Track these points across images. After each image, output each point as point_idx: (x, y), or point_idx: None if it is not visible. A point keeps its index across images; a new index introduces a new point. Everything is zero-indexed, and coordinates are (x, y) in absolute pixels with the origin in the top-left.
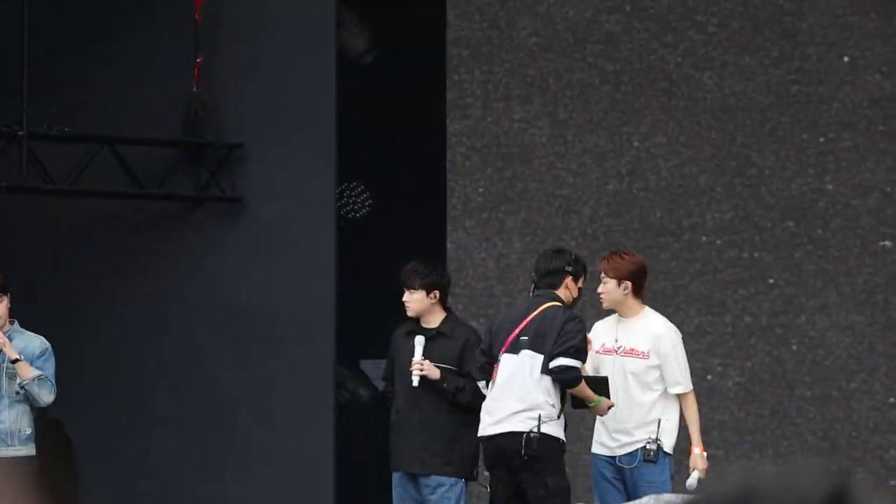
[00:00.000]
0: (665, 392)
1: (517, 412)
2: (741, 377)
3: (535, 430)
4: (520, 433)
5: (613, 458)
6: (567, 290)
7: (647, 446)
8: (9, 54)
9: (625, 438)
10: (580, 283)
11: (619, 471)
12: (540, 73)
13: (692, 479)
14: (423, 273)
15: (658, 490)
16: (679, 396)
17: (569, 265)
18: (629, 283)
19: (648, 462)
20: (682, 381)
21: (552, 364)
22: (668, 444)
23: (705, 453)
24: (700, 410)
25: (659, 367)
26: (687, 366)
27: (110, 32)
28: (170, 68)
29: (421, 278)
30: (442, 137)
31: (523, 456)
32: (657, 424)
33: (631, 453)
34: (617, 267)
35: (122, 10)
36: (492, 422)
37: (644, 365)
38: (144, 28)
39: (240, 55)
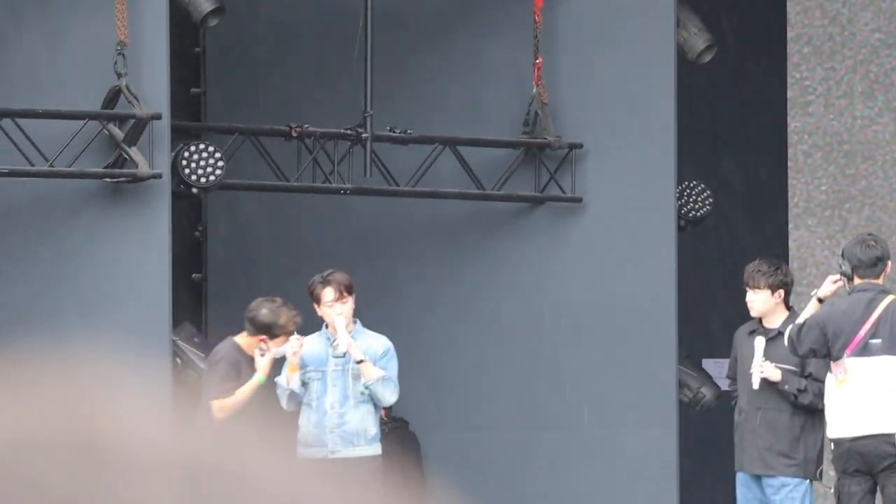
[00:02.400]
0: None
1: (885, 413)
2: None
3: None
4: (889, 434)
5: None
6: (884, 277)
7: None
8: (351, 57)
9: None
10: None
11: None
12: (883, 69)
13: None
14: (768, 272)
15: None
16: None
17: (886, 251)
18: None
19: None
20: None
21: None
22: None
23: None
24: None
25: None
26: None
27: (450, 34)
28: (510, 69)
29: (765, 278)
30: (783, 135)
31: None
32: None
33: None
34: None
35: (462, 13)
36: (855, 423)
37: None
38: (485, 30)
39: (579, 55)
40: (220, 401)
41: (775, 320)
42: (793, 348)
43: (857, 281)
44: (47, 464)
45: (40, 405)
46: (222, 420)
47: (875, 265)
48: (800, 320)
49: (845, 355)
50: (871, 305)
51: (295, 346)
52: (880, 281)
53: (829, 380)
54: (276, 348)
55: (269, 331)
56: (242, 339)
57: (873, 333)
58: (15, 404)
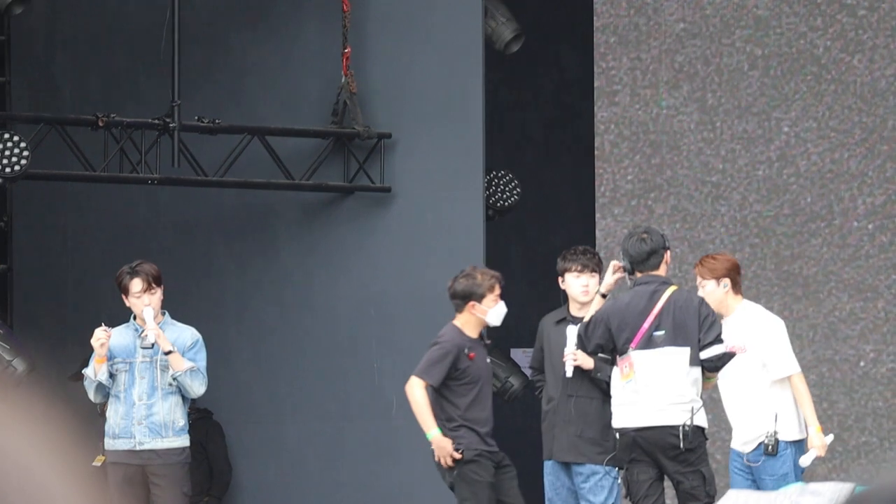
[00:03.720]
0: (775, 383)
1: (669, 405)
2: (895, 363)
3: (689, 422)
4: (673, 426)
5: (741, 454)
6: (666, 267)
7: (767, 441)
8: (159, 47)
9: (744, 435)
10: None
11: (748, 466)
12: (688, 60)
13: (808, 458)
14: (595, 258)
15: (781, 483)
16: (790, 380)
17: (664, 240)
18: (728, 281)
19: (771, 456)
20: (790, 364)
21: (706, 354)
22: (789, 432)
23: (822, 432)
24: (853, 397)
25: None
26: (791, 349)
27: (259, 24)
28: (319, 59)
29: (595, 262)
30: (590, 125)
31: (680, 448)
32: (774, 417)
33: (755, 449)
34: (714, 268)
35: (271, 1)
36: (639, 414)
37: (752, 358)
38: (293, 19)
39: (388, 45)
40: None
41: (585, 308)
42: (582, 345)
43: (637, 275)
44: None
45: None
46: None
47: (648, 259)
48: (586, 317)
49: (630, 349)
50: (653, 298)
51: (102, 337)
52: (661, 272)
53: (615, 374)
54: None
55: (472, 296)
56: (460, 320)
57: (656, 325)
58: None
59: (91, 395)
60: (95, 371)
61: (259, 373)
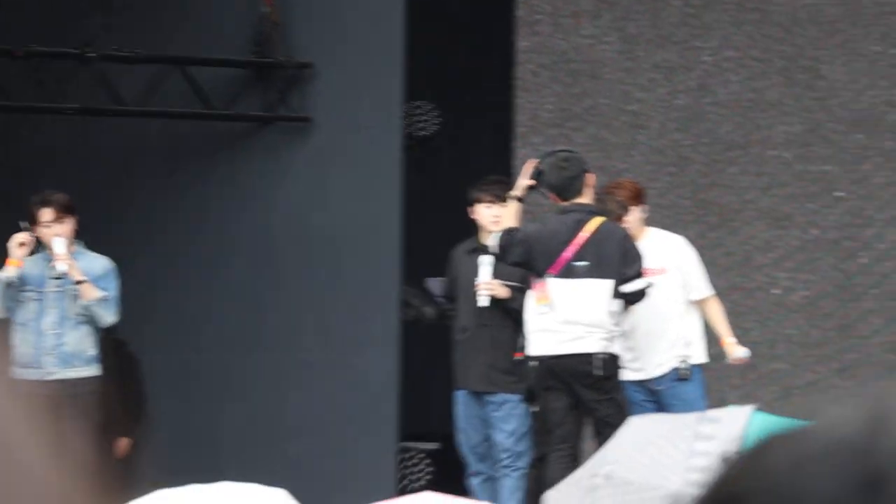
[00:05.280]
0: (687, 307)
1: (585, 333)
2: (808, 291)
3: (605, 350)
4: (589, 354)
5: (643, 381)
6: (590, 190)
7: (680, 365)
8: None
9: (656, 359)
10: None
11: (652, 392)
12: None
13: (743, 352)
14: (508, 185)
15: (692, 408)
16: (705, 302)
17: (584, 164)
18: (647, 207)
19: (683, 380)
20: (708, 285)
21: (626, 288)
22: (699, 356)
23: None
24: (766, 324)
25: (686, 278)
26: (703, 270)
27: None
28: None
29: (508, 190)
30: (510, 54)
31: (594, 375)
32: (685, 343)
33: (664, 375)
34: (632, 196)
35: None
36: (556, 342)
37: (665, 280)
38: None
39: None
40: None
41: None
42: (502, 254)
43: (561, 202)
44: None
45: None
46: None
47: (571, 185)
48: (508, 225)
49: (548, 275)
50: (577, 227)
51: (24, 239)
52: (586, 198)
53: (530, 297)
54: None
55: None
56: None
57: (578, 256)
58: None
59: None
60: (8, 273)
61: (175, 303)
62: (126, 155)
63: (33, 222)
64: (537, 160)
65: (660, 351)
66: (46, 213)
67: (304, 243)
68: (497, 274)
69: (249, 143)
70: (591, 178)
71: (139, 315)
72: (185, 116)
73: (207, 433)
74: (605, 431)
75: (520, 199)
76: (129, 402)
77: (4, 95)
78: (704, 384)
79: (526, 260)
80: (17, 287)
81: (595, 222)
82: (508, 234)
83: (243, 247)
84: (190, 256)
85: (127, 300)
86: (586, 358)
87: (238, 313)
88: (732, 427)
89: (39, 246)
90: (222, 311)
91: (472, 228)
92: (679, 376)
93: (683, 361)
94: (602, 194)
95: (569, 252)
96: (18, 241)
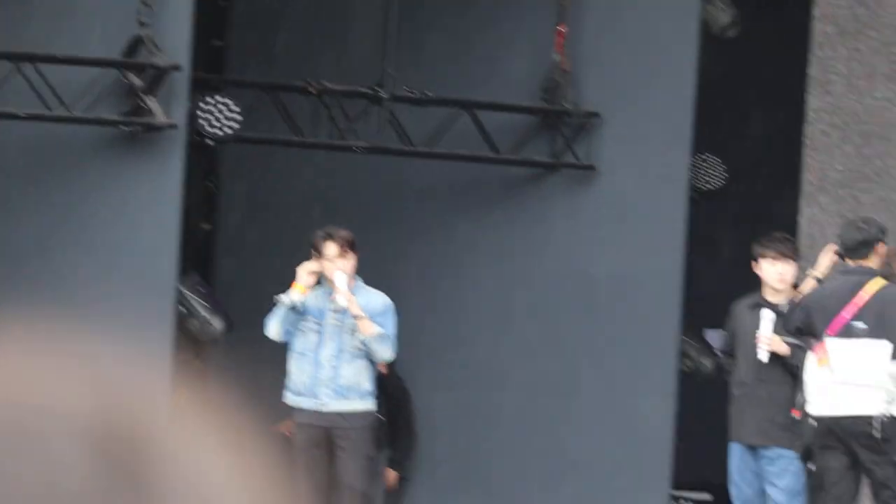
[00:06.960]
0: None
1: (866, 395)
2: None
3: (886, 412)
4: (869, 416)
5: None
6: (878, 258)
7: None
8: (374, 18)
9: None
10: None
11: None
12: None
13: None
14: (794, 246)
15: None
16: None
17: (880, 232)
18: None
19: None
20: None
21: None
22: None
23: None
24: None
25: None
26: None
27: None
28: (532, 35)
29: (793, 250)
30: (801, 113)
31: (874, 437)
32: None
33: None
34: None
35: None
36: (836, 403)
37: None
38: None
39: (602, 23)
40: None
41: (780, 295)
42: (785, 324)
43: (848, 263)
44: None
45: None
46: None
47: (859, 248)
48: (798, 298)
49: (826, 335)
50: (857, 288)
51: (315, 268)
52: (871, 263)
53: (811, 358)
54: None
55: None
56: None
57: (857, 316)
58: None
59: (272, 327)
60: (292, 297)
61: (453, 344)
62: (411, 196)
63: (318, 256)
64: (834, 247)
65: None
66: (331, 248)
67: (584, 289)
68: (777, 330)
69: (534, 190)
70: (882, 248)
71: (414, 352)
72: (472, 159)
73: (479, 472)
74: (882, 493)
75: (819, 281)
76: (400, 437)
77: (296, 130)
78: None
79: (805, 323)
80: (297, 314)
81: (876, 284)
82: (794, 304)
83: (523, 291)
84: (470, 300)
85: (401, 338)
86: (866, 419)
87: (515, 356)
88: None
89: (321, 279)
90: (499, 352)
91: (755, 283)
92: None
93: None
94: (890, 258)
95: (848, 312)
96: (308, 269)
